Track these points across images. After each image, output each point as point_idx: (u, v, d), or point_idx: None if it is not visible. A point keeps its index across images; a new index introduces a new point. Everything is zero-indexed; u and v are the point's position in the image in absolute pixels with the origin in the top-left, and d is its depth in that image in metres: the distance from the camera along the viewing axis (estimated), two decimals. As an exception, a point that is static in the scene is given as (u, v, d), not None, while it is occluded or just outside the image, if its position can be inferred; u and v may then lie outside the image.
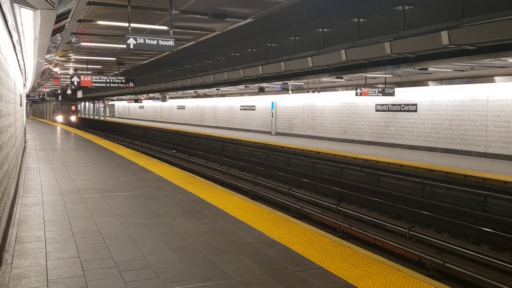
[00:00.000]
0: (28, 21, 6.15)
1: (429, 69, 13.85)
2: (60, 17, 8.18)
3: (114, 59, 17.24)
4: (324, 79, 18.17)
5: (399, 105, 18.29)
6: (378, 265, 4.28)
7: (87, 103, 68.44)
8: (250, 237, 5.21)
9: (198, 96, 35.31)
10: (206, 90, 27.75)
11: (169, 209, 6.63)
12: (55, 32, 9.58)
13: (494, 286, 6.79)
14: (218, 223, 5.83)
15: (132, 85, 15.93)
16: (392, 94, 17.55)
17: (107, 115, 65.57)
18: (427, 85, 17.42)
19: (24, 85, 18.91)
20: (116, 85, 15.55)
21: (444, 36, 8.23)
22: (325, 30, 12.18)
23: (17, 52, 8.54)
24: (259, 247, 4.84)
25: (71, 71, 21.43)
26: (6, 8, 4.56)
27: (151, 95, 37.39)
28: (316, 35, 12.48)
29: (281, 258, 4.49)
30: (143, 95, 39.07)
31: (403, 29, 9.50)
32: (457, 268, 7.34)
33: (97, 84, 15.17)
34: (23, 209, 6.55)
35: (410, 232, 9.26)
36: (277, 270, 4.16)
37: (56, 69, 21.19)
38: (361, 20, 10.82)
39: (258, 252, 4.68)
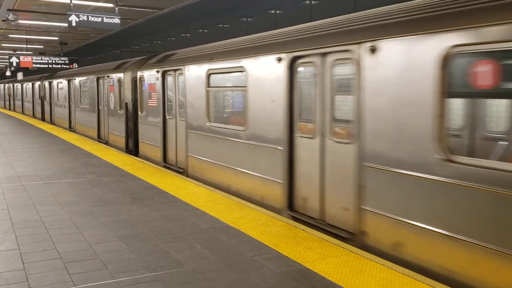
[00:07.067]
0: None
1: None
2: (-7, -9, 7.54)
3: (57, 38, 16.34)
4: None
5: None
6: (332, 247, 4.27)
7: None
8: (204, 223, 5.08)
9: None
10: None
11: (117, 196, 6.35)
12: (-12, 7, 8.88)
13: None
14: (170, 209, 5.65)
15: (77, 66, 15.19)
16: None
17: None
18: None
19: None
20: (59, 66, 14.75)
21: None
22: (277, 12, 12.05)
23: None
24: (213, 233, 4.72)
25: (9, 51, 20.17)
26: None
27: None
28: (269, 17, 12.34)
29: (235, 243, 4.39)
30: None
31: (355, 11, 9.53)
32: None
33: (38, 65, 14.33)
34: (-44, 199, 6.06)
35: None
36: (231, 257, 4.06)
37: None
38: (313, 2, 10.77)
39: (212, 238, 4.56)
